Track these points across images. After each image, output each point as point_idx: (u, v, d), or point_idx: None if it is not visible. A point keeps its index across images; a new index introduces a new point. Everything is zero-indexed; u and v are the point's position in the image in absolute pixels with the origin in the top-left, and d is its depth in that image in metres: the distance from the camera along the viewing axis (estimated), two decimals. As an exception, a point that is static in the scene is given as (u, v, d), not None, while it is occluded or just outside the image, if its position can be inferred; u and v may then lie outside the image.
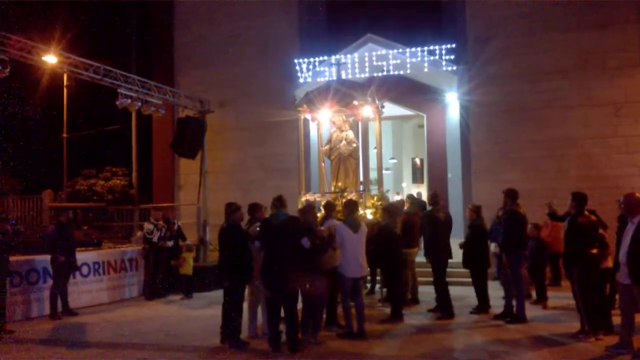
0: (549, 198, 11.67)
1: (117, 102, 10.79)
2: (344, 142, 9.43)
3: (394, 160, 19.94)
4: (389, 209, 8.02)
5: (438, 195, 8.45)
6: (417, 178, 19.91)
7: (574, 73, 12.41)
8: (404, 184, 20.28)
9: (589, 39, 12.34)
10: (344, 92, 9.04)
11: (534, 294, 9.30)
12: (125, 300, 10.46)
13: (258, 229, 6.73)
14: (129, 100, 10.93)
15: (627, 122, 12.08)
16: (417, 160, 19.72)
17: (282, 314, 6.55)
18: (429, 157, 13.98)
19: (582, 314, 6.71)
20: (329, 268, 6.83)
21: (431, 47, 12.74)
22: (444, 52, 12.71)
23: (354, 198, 8.48)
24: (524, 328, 7.42)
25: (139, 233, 11.49)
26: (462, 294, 9.94)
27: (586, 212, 6.82)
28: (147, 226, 10.72)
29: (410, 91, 13.39)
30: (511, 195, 7.66)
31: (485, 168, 12.76)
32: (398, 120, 17.65)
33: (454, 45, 12.74)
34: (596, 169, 12.06)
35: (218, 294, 8.22)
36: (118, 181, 14.14)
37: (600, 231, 7.04)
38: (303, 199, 9.24)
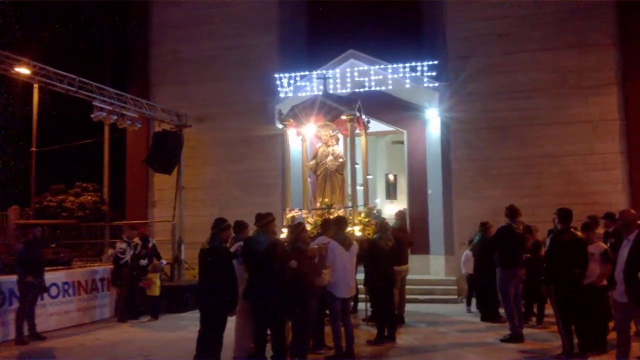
0: (529, 215, 11.81)
1: (92, 115, 10.40)
2: (330, 157, 9.23)
3: (370, 176, 19.86)
4: (380, 224, 7.83)
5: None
6: (390, 194, 19.82)
7: (552, 91, 12.58)
8: (377, 200, 20.19)
9: (566, 58, 12.55)
10: (330, 107, 8.87)
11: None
12: (97, 322, 9.95)
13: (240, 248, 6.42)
14: (105, 114, 10.57)
15: (604, 139, 12.29)
16: (391, 177, 19.66)
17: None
18: (408, 174, 13.89)
19: (563, 335, 6.60)
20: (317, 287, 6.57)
21: (413, 64, 12.70)
22: (425, 68, 12.67)
23: (341, 214, 8.27)
24: (518, 347, 7.31)
25: (110, 251, 11.01)
26: (445, 311, 9.86)
27: (572, 230, 6.76)
28: (120, 245, 10.25)
29: (391, 107, 13.33)
30: (510, 212, 7.59)
31: (466, 185, 12.76)
32: (373, 136, 17.57)
33: (435, 62, 12.74)
34: (575, 186, 12.17)
35: (194, 315, 7.74)
36: (89, 197, 13.56)
37: (604, 246, 6.94)
38: (289, 215, 8.99)
